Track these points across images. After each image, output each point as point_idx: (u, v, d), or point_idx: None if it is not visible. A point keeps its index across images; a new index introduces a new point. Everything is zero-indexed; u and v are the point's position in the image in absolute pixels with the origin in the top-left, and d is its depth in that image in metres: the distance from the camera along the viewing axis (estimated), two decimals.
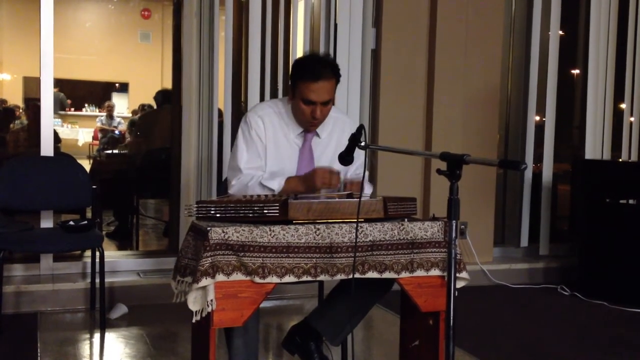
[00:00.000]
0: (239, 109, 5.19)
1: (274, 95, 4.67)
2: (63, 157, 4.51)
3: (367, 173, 2.76)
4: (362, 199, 2.25)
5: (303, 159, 2.67)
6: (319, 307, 2.78)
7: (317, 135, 2.70)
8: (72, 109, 12.87)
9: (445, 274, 2.32)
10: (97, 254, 3.63)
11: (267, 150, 2.66)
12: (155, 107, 6.58)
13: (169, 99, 5.91)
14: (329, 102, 2.59)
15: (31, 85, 11.32)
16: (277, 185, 2.56)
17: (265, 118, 2.66)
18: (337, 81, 2.61)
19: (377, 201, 2.32)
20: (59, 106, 11.69)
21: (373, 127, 4.74)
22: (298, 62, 2.68)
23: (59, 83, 11.95)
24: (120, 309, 3.88)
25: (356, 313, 2.61)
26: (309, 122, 2.61)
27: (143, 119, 7.56)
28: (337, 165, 2.68)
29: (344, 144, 2.69)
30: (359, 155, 2.57)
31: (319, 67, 2.55)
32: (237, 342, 2.42)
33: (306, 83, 2.53)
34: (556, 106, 5.24)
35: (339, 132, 2.73)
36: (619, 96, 5.45)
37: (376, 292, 2.58)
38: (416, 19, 4.73)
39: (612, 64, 5.37)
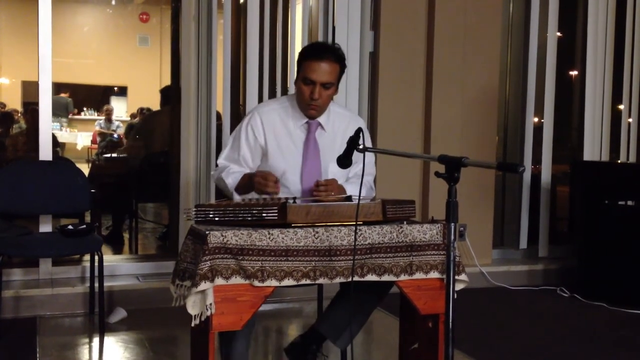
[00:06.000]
0: (238, 112, 5.19)
1: (272, 97, 4.66)
2: (62, 161, 4.52)
3: (369, 177, 2.78)
4: (361, 201, 2.25)
5: (308, 153, 2.68)
6: (324, 312, 2.80)
7: (322, 127, 2.71)
8: (71, 113, 12.87)
9: (444, 276, 2.32)
10: (96, 258, 3.62)
11: (268, 147, 2.68)
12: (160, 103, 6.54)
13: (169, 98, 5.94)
14: (330, 87, 2.61)
15: (30, 90, 11.31)
16: (231, 181, 2.67)
17: (264, 115, 2.70)
18: (342, 70, 2.65)
19: (375, 204, 2.32)
20: (64, 110, 11.77)
21: (371, 130, 4.73)
22: (306, 46, 2.81)
23: (68, 87, 12.02)
24: (120, 313, 3.87)
25: (357, 315, 2.62)
26: (307, 103, 2.62)
27: (144, 122, 7.56)
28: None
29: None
30: (358, 157, 2.58)
31: (323, 49, 2.62)
32: (229, 350, 2.41)
33: (308, 62, 2.59)
34: (554, 108, 5.24)
35: (344, 128, 2.73)
36: (617, 97, 5.45)
37: (376, 295, 2.58)
38: (414, 22, 4.73)
39: (610, 65, 5.38)
